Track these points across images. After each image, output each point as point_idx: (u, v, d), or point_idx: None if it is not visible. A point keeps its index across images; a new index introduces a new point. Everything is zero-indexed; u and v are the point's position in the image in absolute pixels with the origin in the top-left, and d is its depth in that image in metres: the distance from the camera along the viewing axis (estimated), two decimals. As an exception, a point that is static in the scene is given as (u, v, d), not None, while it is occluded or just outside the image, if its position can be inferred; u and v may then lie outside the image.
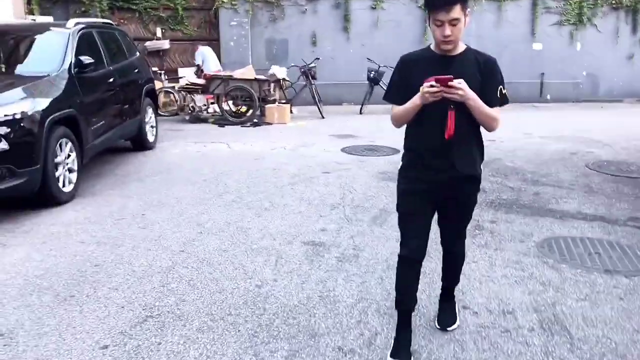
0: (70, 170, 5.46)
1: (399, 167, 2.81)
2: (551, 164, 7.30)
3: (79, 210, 5.11)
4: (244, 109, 10.92)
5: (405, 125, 2.73)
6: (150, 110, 8.07)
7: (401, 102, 2.61)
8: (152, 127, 8.11)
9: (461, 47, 2.60)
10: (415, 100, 2.52)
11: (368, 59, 12.45)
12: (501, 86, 2.65)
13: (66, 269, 3.78)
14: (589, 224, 4.86)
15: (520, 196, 5.73)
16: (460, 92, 2.41)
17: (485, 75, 2.60)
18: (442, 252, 3.13)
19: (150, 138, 7.98)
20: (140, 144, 7.73)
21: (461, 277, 3.21)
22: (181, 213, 4.99)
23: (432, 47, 2.63)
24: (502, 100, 2.66)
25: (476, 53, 2.65)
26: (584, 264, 3.99)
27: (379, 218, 4.92)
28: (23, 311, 3.19)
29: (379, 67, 12.15)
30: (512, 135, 9.41)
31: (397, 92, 2.66)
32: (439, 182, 2.65)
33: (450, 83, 2.40)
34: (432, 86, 2.41)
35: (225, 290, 3.47)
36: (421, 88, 2.46)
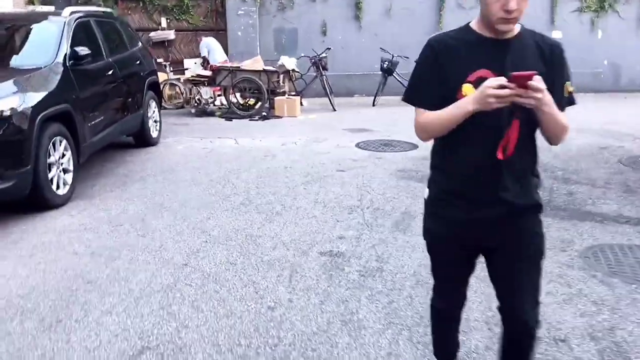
0: (65, 171, 5.04)
1: (425, 199, 2.10)
2: (581, 159, 6.81)
3: (74, 215, 4.70)
4: (252, 101, 10.47)
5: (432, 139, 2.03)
6: (153, 104, 7.64)
7: (432, 104, 1.89)
8: (155, 122, 7.68)
9: (516, 28, 1.90)
10: (464, 106, 1.79)
11: (381, 48, 11.94)
12: (568, 82, 1.96)
13: (55, 287, 3.36)
14: (634, 229, 4.39)
15: (552, 196, 5.26)
16: (539, 94, 1.70)
17: (552, 66, 1.90)
18: (497, 310, 2.15)
19: (154, 133, 7.56)
20: (142, 140, 7.30)
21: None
22: (185, 218, 4.57)
23: (474, 26, 1.92)
24: (569, 101, 1.97)
25: (537, 36, 1.96)
26: (636, 277, 3.53)
27: (402, 223, 4.47)
28: (0, 342, 2.78)
29: (393, 56, 11.65)
30: (535, 128, 8.92)
31: (427, 90, 1.92)
32: (486, 220, 1.94)
33: (529, 83, 1.68)
34: (502, 87, 1.70)
35: (234, 313, 3.04)
36: (482, 88, 1.73)
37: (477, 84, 1.80)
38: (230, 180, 5.72)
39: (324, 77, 11.01)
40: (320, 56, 11.03)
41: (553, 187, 5.59)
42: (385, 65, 11.64)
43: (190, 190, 5.37)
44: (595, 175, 6.08)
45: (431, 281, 3.31)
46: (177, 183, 5.65)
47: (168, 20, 12.64)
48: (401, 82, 11.80)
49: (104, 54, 6.31)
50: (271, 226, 4.37)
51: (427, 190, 2.09)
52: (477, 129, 1.84)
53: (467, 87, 1.83)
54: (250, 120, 9.75)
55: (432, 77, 1.91)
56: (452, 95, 1.84)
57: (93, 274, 3.53)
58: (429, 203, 2.09)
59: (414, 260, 3.73)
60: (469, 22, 1.97)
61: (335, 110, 10.82)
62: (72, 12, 6.03)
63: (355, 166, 6.32)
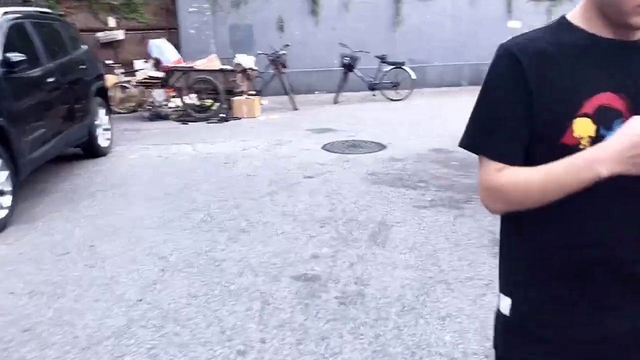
0: (1, 193, 4.50)
1: (503, 313, 1.28)
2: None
3: (12, 243, 4.17)
4: (209, 102, 9.96)
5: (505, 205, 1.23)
6: (102, 111, 7.07)
7: (516, 156, 1.17)
8: (105, 130, 7.12)
9: None
10: (589, 167, 1.05)
11: (340, 43, 11.58)
12: None
13: (-16, 338, 2.87)
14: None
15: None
16: None
17: None
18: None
19: (104, 143, 7.00)
20: (91, 150, 6.74)
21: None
22: (139, 241, 4.10)
23: (577, 20, 1.19)
24: None
25: None
26: None
27: (379, 235, 4.12)
28: None
29: (353, 52, 11.32)
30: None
31: (508, 132, 1.17)
32: (617, 337, 1.19)
33: None
34: None
35: (198, 362, 2.63)
36: (628, 137, 1.02)
37: (598, 117, 1.11)
38: (189, 193, 5.26)
39: (284, 74, 10.59)
40: (279, 53, 10.60)
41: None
42: (345, 61, 11.30)
43: (144, 207, 4.89)
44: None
45: (418, 306, 2.97)
46: (129, 198, 5.16)
47: (116, 20, 11.97)
48: (362, 78, 11.51)
49: (43, 59, 5.73)
50: (236, 247, 3.95)
51: (506, 300, 1.28)
52: (612, 196, 1.11)
53: (582, 125, 1.11)
54: (207, 122, 9.25)
55: (517, 108, 1.15)
56: (554, 138, 1.12)
57: (32, 319, 3.05)
58: (516, 319, 1.26)
59: (396, 280, 3.38)
60: (564, 15, 1.22)
61: (296, 109, 10.42)
62: (5, 13, 5.43)
63: (323, 171, 5.94)
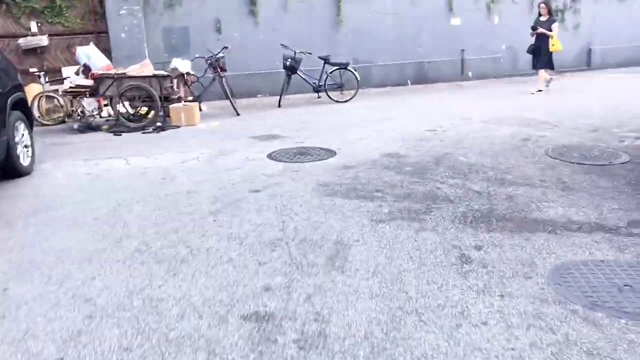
0: None
1: None
2: (508, 154, 6.42)
3: None
4: (143, 111, 9.32)
5: None
6: (21, 127, 6.37)
7: None
8: (26, 147, 6.43)
9: None
10: None
11: (282, 45, 11.17)
12: None
13: None
14: (590, 238, 3.92)
15: (493, 203, 4.74)
16: None
17: None
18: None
19: (25, 161, 6.30)
20: (10, 170, 6.04)
21: (477, 354, 2.07)
22: (62, 280, 3.54)
23: None
24: None
25: None
26: (620, 306, 3.00)
27: (337, 257, 3.73)
28: None
29: (295, 53, 10.93)
30: (452, 121, 8.55)
31: None
32: None
33: None
34: None
35: None
36: None
37: None
38: (121, 216, 4.71)
39: (223, 78, 10.08)
40: (217, 56, 10.08)
41: (490, 191, 5.09)
42: (288, 63, 10.92)
43: (70, 236, 4.31)
44: (528, 172, 5.67)
45: (389, 345, 2.62)
46: (53, 226, 4.56)
47: (39, 24, 11.12)
48: (306, 80, 11.12)
49: (-55, 70, 5.04)
50: (176, 281, 3.46)
51: None
52: None
53: None
54: (142, 133, 8.63)
55: None
56: None
57: None
58: None
59: (361, 314, 2.98)
60: None
61: (239, 114, 9.94)
62: None
63: (270, 183, 5.50)
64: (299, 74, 10.96)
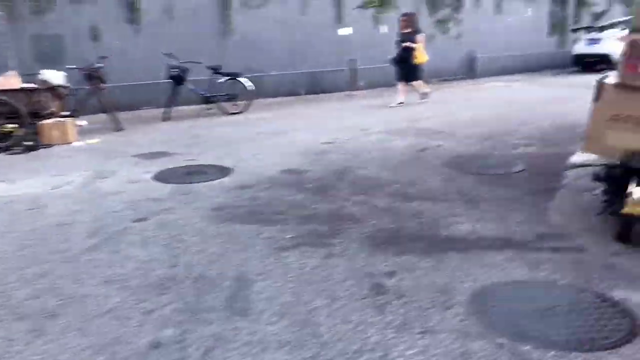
0: None
1: None
2: (408, 167, 6.27)
3: None
4: (8, 128, 8.24)
5: None
6: None
7: None
8: None
9: None
10: None
11: (165, 53, 10.45)
12: None
13: None
14: (503, 256, 3.77)
15: (400, 222, 4.50)
16: None
17: None
18: None
19: None
20: None
21: None
22: None
23: None
24: None
25: None
26: (546, 336, 2.80)
27: (237, 298, 3.26)
28: None
29: (181, 63, 10.29)
30: (349, 133, 8.36)
31: None
32: None
33: None
34: None
35: None
36: None
37: None
38: (-25, 259, 3.93)
39: (102, 90, 9.22)
40: (95, 66, 9.20)
41: (396, 207, 4.86)
42: (173, 73, 10.26)
43: None
44: (431, 185, 5.53)
45: None
46: None
47: None
48: (194, 91, 10.51)
49: None
50: (41, 347, 2.81)
51: None
52: None
53: None
54: (7, 154, 7.61)
55: None
56: None
57: None
58: None
59: (274, 371, 2.55)
60: None
61: (121, 129, 9.14)
62: None
63: (158, 210, 4.91)
64: (186, 85, 10.33)
